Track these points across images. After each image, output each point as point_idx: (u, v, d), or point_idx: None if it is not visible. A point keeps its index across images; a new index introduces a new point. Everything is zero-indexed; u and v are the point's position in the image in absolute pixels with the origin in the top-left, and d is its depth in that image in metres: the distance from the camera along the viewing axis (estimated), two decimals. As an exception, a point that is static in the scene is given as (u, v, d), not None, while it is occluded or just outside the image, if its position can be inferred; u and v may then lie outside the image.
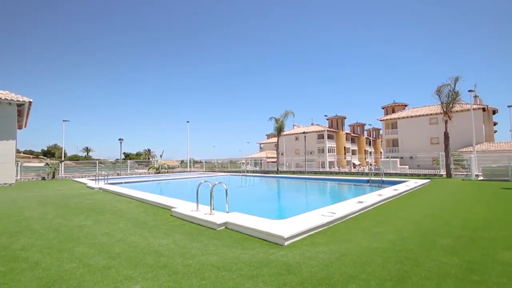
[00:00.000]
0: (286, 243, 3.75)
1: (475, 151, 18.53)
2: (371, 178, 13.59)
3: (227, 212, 5.37)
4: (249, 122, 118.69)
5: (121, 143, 23.92)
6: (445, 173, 15.86)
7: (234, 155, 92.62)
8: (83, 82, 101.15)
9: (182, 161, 37.74)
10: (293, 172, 23.52)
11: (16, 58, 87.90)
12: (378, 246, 3.55)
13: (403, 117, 39.28)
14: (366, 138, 60.81)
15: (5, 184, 13.92)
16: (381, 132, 52.32)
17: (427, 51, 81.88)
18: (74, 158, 60.22)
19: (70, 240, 4.09)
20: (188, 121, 35.36)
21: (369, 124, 58.00)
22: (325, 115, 49.43)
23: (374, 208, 6.30)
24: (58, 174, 19.72)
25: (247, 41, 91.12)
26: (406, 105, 44.89)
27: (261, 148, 66.17)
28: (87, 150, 75.36)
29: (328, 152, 49.32)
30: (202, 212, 5.40)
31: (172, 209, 6.03)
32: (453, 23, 72.40)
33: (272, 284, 2.52)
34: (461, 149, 29.84)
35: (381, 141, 52.15)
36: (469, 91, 18.64)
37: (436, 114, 33.81)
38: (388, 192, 8.21)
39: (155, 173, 25.16)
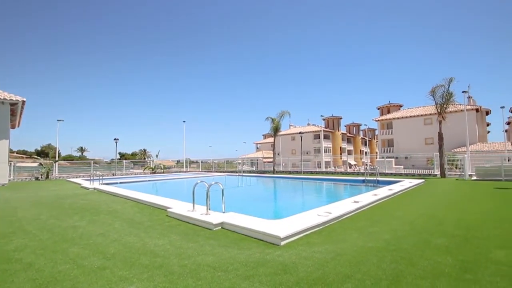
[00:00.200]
0: (282, 243, 3.76)
1: (469, 151, 18.77)
2: (367, 178, 13.69)
3: (224, 212, 5.37)
4: (246, 122, 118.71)
5: (116, 143, 23.69)
6: (439, 173, 16.04)
7: (231, 155, 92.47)
8: (81, 82, 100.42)
9: (178, 161, 37.46)
10: (289, 172, 23.57)
11: (16, 58, 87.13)
12: (373, 246, 3.58)
13: (398, 118, 39.63)
14: (361, 138, 61.13)
15: (-3, 184, 13.71)
16: (376, 132, 52.63)
17: (423, 52, 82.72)
18: (69, 158, 59.61)
19: (64, 241, 4.04)
20: (184, 121, 33.94)
21: (364, 125, 58.48)
22: (321, 116, 49.75)
23: (370, 208, 6.35)
24: (52, 174, 19.48)
25: (247, 41, 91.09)
26: (401, 106, 45.26)
27: (257, 148, 66.16)
28: (81, 150, 74.65)
29: (324, 152, 49.59)
30: (198, 212, 5.38)
31: (168, 209, 5.99)
32: (450, 23, 73.34)
33: (268, 284, 2.53)
34: (455, 149, 30.23)
35: (377, 141, 52.49)
36: (463, 92, 18.85)
37: (430, 114, 34.23)
38: (383, 192, 8.27)
39: (150, 173, 24.99)
